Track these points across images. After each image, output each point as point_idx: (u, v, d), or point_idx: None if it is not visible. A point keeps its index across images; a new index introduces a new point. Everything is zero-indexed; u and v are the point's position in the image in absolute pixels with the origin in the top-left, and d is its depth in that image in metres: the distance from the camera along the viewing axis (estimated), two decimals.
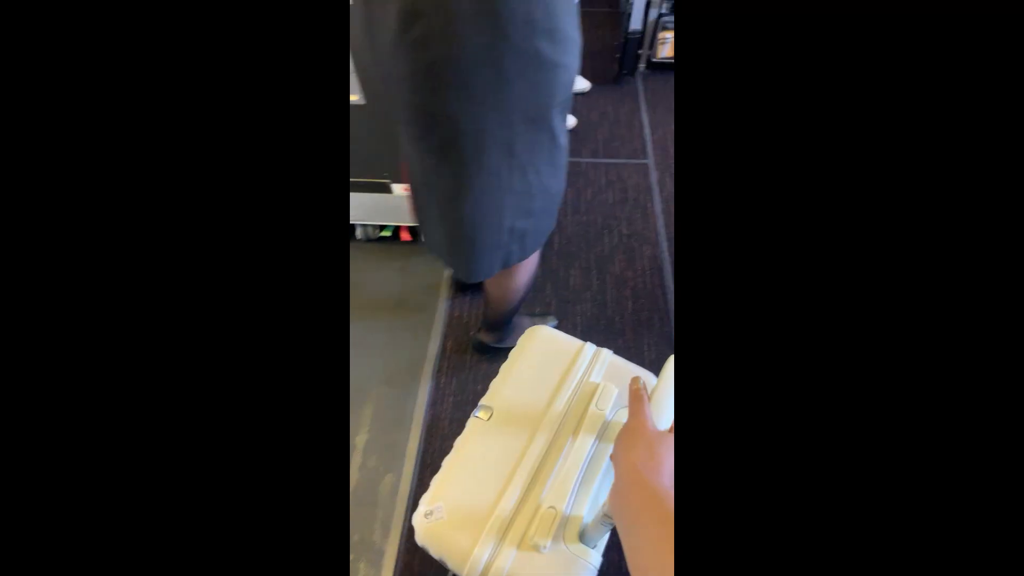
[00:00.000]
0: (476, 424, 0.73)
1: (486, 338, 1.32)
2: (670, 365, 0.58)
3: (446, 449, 0.72)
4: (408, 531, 1.11)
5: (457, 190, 0.81)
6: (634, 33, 1.98)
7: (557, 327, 1.05)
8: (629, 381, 0.55)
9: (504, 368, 0.80)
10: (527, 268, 1.06)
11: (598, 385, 0.75)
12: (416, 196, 0.94)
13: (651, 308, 1.46)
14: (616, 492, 0.47)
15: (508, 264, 0.97)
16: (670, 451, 0.46)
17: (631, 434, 0.49)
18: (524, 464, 0.68)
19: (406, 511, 1.14)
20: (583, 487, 0.66)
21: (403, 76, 0.69)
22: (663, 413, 0.54)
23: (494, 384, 0.78)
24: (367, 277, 1.54)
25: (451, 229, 0.89)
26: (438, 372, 1.35)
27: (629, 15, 1.95)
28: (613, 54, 2.18)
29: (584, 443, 0.69)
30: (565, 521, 0.63)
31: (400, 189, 1.45)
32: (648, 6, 1.97)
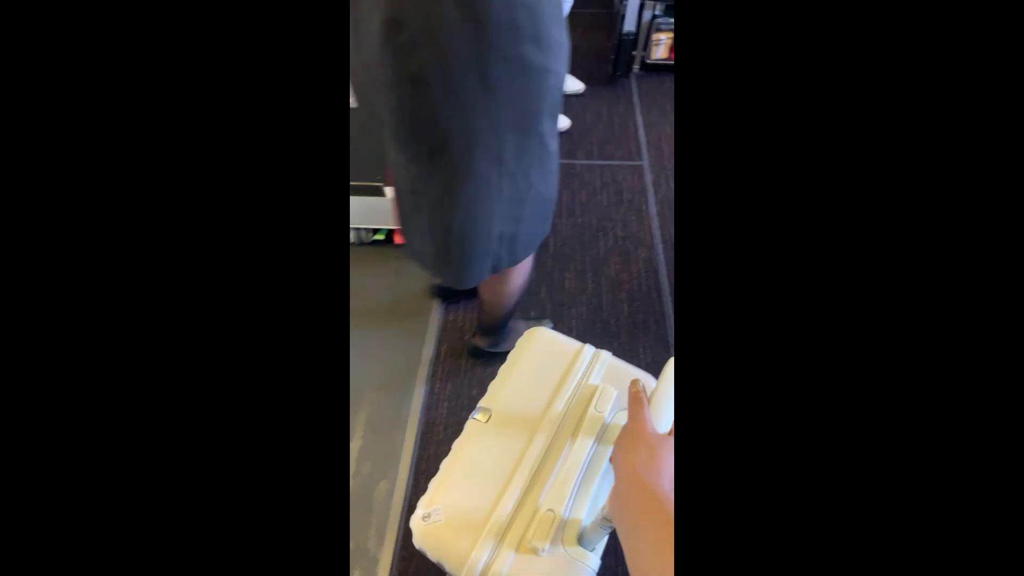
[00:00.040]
0: (474, 426, 0.74)
1: (481, 342, 1.33)
2: (669, 368, 0.59)
3: (441, 455, 0.73)
4: (403, 538, 1.12)
5: (446, 197, 0.82)
6: (628, 35, 2.01)
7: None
8: (628, 384, 0.56)
9: (503, 370, 0.81)
10: (521, 272, 1.07)
11: (597, 387, 0.76)
12: (402, 203, 0.94)
13: (647, 311, 1.47)
14: (616, 495, 0.48)
15: (497, 269, 0.98)
16: (670, 454, 0.47)
17: (631, 437, 0.50)
18: (523, 466, 0.69)
19: (401, 518, 1.14)
20: (582, 490, 0.67)
21: (389, 83, 0.70)
22: (662, 416, 0.55)
23: (492, 386, 0.79)
24: (360, 281, 1.55)
25: (440, 236, 0.90)
26: (432, 377, 1.35)
27: (623, 16, 1.97)
28: (607, 55, 2.20)
29: (583, 445, 0.70)
30: (564, 524, 0.64)
31: (392, 192, 1.46)
32: (642, 8, 2.00)
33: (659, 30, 2.08)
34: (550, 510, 0.64)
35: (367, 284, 1.54)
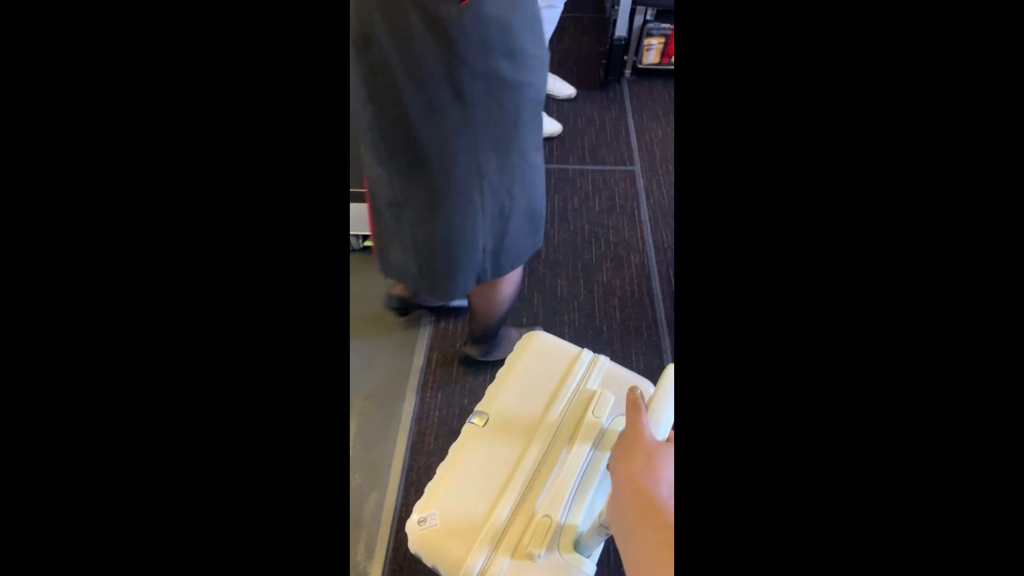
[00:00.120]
0: (471, 430, 0.76)
1: (472, 351, 1.34)
2: (667, 374, 0.61)
3: (432, 466, 0.74)
4: (393, 551, 1.12)
5: (427, 210, 0.84)
6: (619, 39, 2.05)
7: None
8: (626, 389, 0.57)
9: (500, 373, 0.83)
10: (511, 281, 1.09)
11: (595, 392, 0.78)
12: (380, 217, 0.96)
13: (639, 317, 1.50)
14: (614, 502, 0.49)
15: (481, 281, 1.00)
16: (668, 461, 0.48)
17: (628, 444, 0.51)
18: (519, 472, 0.71)
19: (391, 531, 1.15)
20: (578, 496, 0.69)
21: (365, 100, 0.71)
22: (660, 422, 0.57)
23: (490, 390, 0.81)
24: (351, 288, 1.56)
25: (422, 249, 0.91)
26: (423, 386, 1.37)
27: (614, 22, 2.02)
28: (599, 60, 2.25)
29: (580, 451, 0.72)
30: (560, 530, 0.66)
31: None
32: (633, 13, 2.05)
33: (650, 35, 2.13)
34: (546, 516, 0.66)
35: (358, 291, 1.55)
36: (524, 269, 1.13)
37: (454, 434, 0.77)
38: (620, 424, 0.75)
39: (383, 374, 1.39)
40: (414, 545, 0.68)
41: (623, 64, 2.20)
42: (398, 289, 1.37)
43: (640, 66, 2.23)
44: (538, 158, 0.88)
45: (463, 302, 1.46)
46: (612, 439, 0.73)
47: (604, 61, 2.15)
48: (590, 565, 0.65)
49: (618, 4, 1.97)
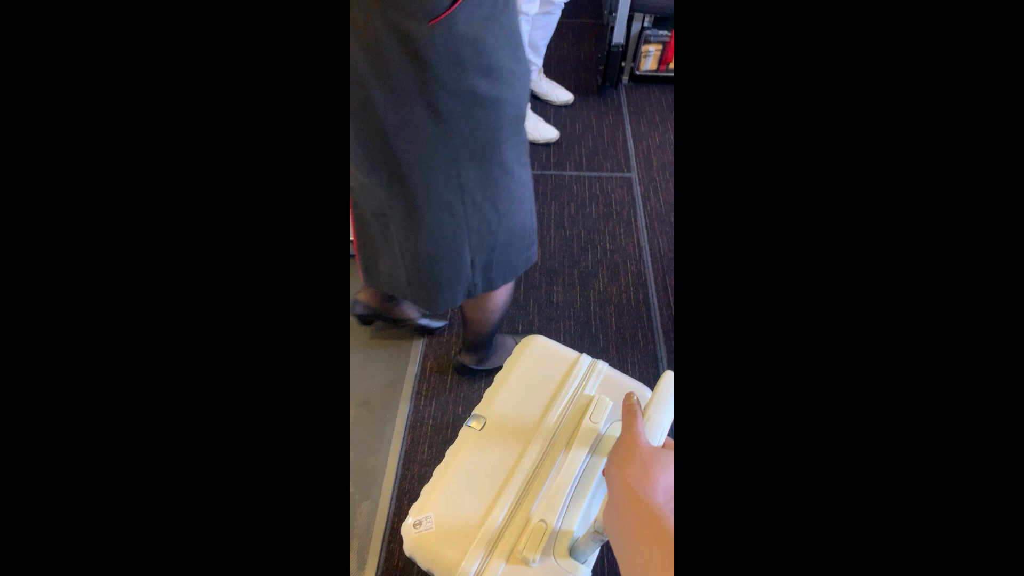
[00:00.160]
0: (468, 434, 0.77)
1: (467, 360, 1.35)
2: (663, 380, 0.63)
3: (424, 475, 0.75)
4: (385, 562, 1.13)
5: (411, 224, 0.86)
6: (617, 46, 2.09)
7: None
8: (623, 396, 0.58)
9: (499, 377, 0.84)
10: (503, 289, 1.10)
11: (593, 397, 0.80)
12: (366, 226, 0.97)
13: (635, 325, 1.52)
14: (611, 509, 0.50)
15: (472, 295, 1.01)
16: (664, 467, 0.49)
17: (624, 450, 0.52)
18: (515, 476, 0.72)
19: (383, 541, 1.16)
20: (574, 501, 0.70)
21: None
22: (657, 429, 0.58)
23: (488, 393, 0.82)
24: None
25: (408, 262, 0.93)
26: (417, 394, 1.38)
27: (612, 28, 2.06)
28: (596, 66, 2.29)
29: (577, 457, 0.73)
30: (555, 535, 0.67)
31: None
32: (631, 19, 2.09)
33: (648, 42, 2.17)
34: (542, 521, 0.67)
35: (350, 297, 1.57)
36: (517, 277, 1.14)
37: (448, 443, 0.78)
38: (617, 430, 0.76)
39: (377, 381, 1.40)
40: (409, 548, 0.69)
41: (620, 70, 2.24)
42: (363, 296, 1.36)
43: (638, 72, 2.27)
44: (524, 174, 0.88)
45: (439, 322, 1.46)
46: (609, 445, 0.75)
47: (602, 67, 2.19)
48: (585, 571, 0.66)
49: (616, 10, 2.01)
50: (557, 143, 2.04)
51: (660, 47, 2.19)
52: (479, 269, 0.96)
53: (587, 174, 1.94)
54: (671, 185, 1.91)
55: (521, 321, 1.53)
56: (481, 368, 1.37)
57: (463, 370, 1.38)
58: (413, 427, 1.32)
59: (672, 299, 1.58)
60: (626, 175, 1.95)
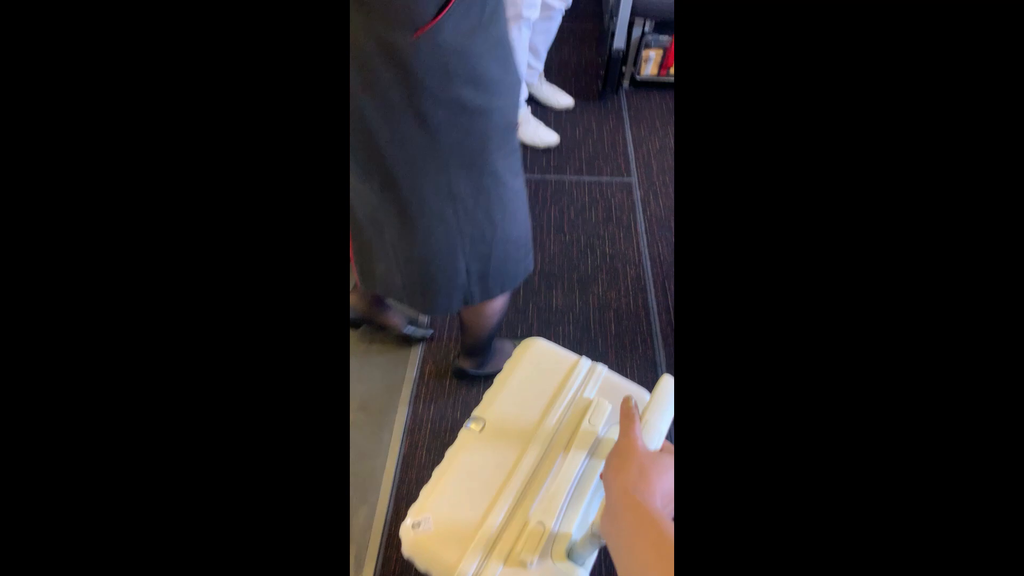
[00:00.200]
0: (468, 435, 0.79)
1: (466, 364, 1.36)
2: (661, 384, 0.64)
3: (422, 480, 0.76)
4: (382, 569, 1.14)
5: (404, 231, 0.87)
6: (618, 51, 2.12)
7: None
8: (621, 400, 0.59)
9: (498, 379, 0.85)
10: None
11: (592, 401, 0.81)
12: (359, 232, 0.99)
13: (634, 330, 1.54)
14: (609, 514, 0.50)
15: (470, 303, 1.03)
16: (660, 472, 0.50)
17: (621, 455, 0.53)
18: (514, 478, 0.73)
19: (380, 547, 1.16)
20: (572, 504, 0.71)
21: None
22: (654, 433, 0.60)
23: (488, 395, 0.83)
24: None
25: (404, 266, 0.94)
26: (416, 398, 1.39)
27: (613, 33, 2.09)
28: (597, 71, 2.32)
29: (575, 459, 0.74)
30: (553, 538, 0.68)
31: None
32: (631, 25, 2.12)
33: (648, 47, 2.20)
34: (540, 523, 0.68)
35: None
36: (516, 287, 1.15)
37: (446, 448, 0.79)
38: (615, 433, 0.77)
39: (375, 385, 1.41)
40: (407, 549, 0.70)
41: (621, 75, 2.27)
42: (352, 299, 1.38)
43: (638, 78, 2.29)
44: (517, 183, 0.89)
45: (424, 332, 1.47)
46: (607, 448, 0.76)
47: (602, 72, 2.21)
48: (583, 573, 0.67)
49: (617, 15, 2.04)
50: (557, 147, 2.06)
51: (661, 52, 2.22)
52: (475, 278, 0.97)
53: (587, 178, 1.96)
54: (671, 190, 1.93)
55: (520, 325, 1.54)
56: (480, 372, 1.38)
57: (462, 374, 1.39)
58: (411, 431, 1.33)
59: (671, 304, 1.59)
60: (626, 180, 1.97)
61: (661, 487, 0.49)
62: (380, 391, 1.40)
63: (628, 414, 0.56)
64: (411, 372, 1.44)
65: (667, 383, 0.65)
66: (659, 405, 0.62)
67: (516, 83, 0.79)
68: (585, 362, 0.87)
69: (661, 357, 1.49)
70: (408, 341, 1.48)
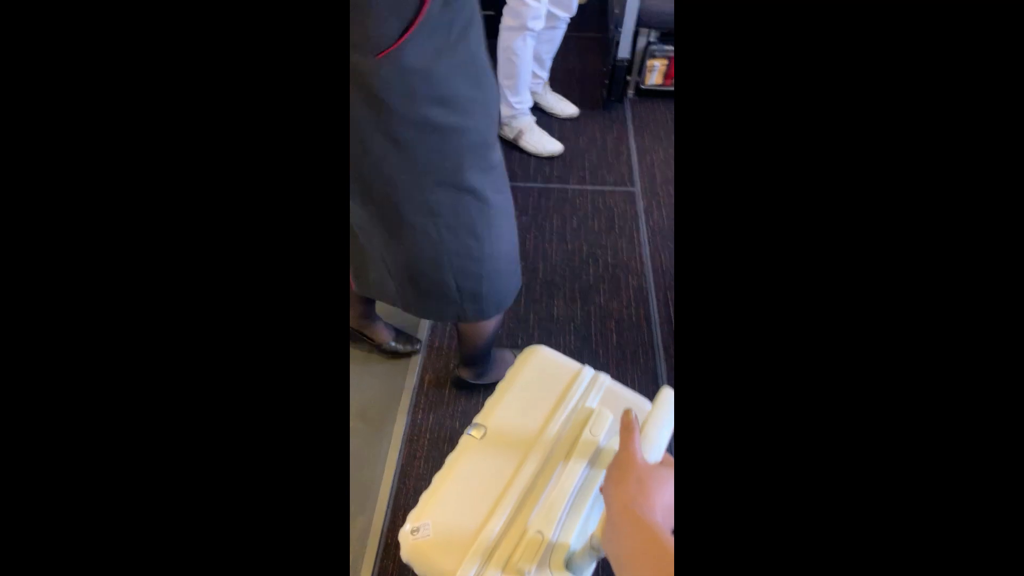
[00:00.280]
0: (468, 442, 0.80)
1: (465, 374, 1.37)
2: (661, 396, 0.65)
3: (420, 490, 0.77)
4: None
5: (389, 243, 0.90)
6: (622, 60, 2.15)
7: None
8: (626, 409, 0.60)
9: (500, 386, 0.87)
10: None
11: (593, 410, 0.82)
12: (353, 239, 1.01)
13: (636, 341, 1.55)
14: (609, 530, 0.51)
15: (465, 320, 1.04)
16: (660, 485, 0.51)
17: (621, 468, 0.54)
18: (514, 487, 0.74)
19: (376, 557, 1.17)
20: (572, 514, 0.72)
21: None
22: (654, 446, 0.60)
23: (489, 402, 0.85)
24: None
25: (394, 272, 0.97)
26: (415, 408, 1.40)
27: (618, 43, 2.12)
28: (601, 80, 2.35)
29: (575, 469, 0.75)
30: (552, 547, 0.69)
31: None
32: (636, 34, 2.15)
33: (653, 56, 2.23)
34: (539, 532, 0.69)
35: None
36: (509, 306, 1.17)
37: (443, 458, 0.80)
38: (617, 444, 0.78)
39: (374, 394, 1.42)
40: (406, 554, 0.71)
41: (626, 85, 2.30)
42: None
43: (643, 87, 2.32)
44: (499, 199, 0.90)
45: (409, 347, 1.48)
46: (608, 458, 0.77)
47: (607, 81, 2.24)
48: None
49: (621, 25, 2.07)
50: (561, 156, 2.09)
51: (665, 62, 2.25)
52: (468, 296, 0.99)
53: (590, 187, 1.99)
54: (674, 199, 1.95)
55: (521, 334, 1.56)
56: (479, 383, 1.39)
57: (461, 384, 1.40)
58: (410, 441, 1.34)
59: (673, 314, 1.61)
60: (629, 189, 1.99)
61: (661, 500, 0.50)
62: (379, 400, 1.41)
63: (628, 427, 0.57)
64: (410, 381, 1.45)
65: (667, 395, 0.67)
66: (659, 418, 0.63)
67: (491, 101, 0.79)
68: (588, 371, 0.88)
69: (662, 368, 1.50)
70: (394, 355, 1.49)
